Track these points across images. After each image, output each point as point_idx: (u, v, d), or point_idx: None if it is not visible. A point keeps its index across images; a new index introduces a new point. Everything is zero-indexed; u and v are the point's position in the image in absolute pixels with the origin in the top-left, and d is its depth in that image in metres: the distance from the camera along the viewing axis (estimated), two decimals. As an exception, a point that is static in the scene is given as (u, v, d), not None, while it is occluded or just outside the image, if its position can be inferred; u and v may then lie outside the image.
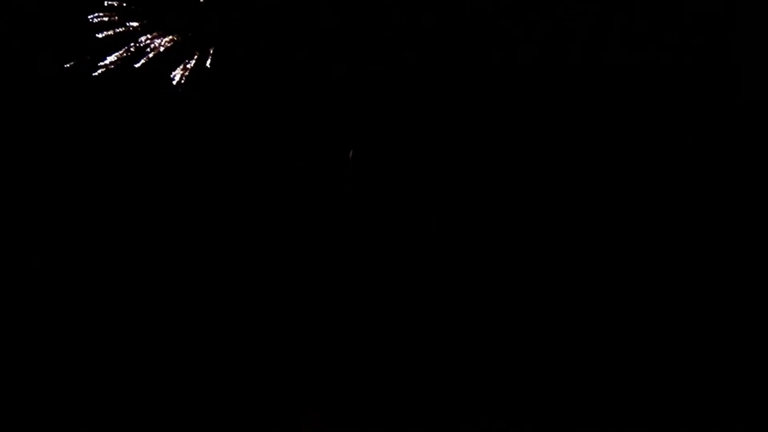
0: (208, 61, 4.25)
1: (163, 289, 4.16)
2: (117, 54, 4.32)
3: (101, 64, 4.26)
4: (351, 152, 3.81)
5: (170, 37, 4.34)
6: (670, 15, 4.27)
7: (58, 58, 4.35)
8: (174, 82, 4.23)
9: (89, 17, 4.32)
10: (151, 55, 4.31)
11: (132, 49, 4.31)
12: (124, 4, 4.32)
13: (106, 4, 4.29)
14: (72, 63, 4.23)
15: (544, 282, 4.12)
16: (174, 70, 4.29)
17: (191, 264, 4.21)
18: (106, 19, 4.31)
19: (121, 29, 4.36)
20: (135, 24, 4.34)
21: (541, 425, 3.93)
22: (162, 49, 4.33)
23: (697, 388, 3.89)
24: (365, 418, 4.04)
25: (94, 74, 4.23)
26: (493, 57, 4.27)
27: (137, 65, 4.27)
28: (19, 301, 4.14)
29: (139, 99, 4.35)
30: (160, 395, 3.99)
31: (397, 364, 4.13)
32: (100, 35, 4.33)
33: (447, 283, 4.18)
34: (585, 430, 3.88)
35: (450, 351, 4.09)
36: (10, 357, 4.06)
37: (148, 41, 4.34)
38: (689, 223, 4.09)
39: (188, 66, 4.26)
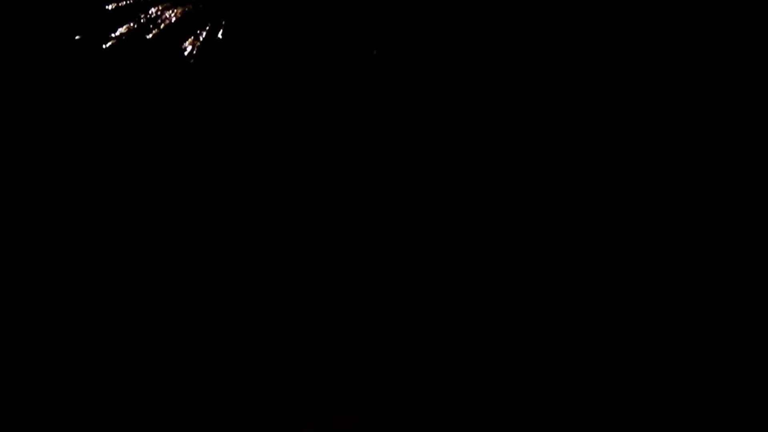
0: (220, 33, 4.20)
1: (162, 287, 4.17)
2: (127, 25, 4.27)
3: (112, 36, 4.21)
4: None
5: (181, 8, 4.29)
6: (670, 15, 4.28)
7: (68, 31, 4.31)
8: (186, 53, 4.18)
9: None
10: (162, 26, 4.25)
11: (142, 20, 4.25)
12: None
13: None
14: (81, 36, 4.18)
15: (544, 281, 4.13)
16: (185, 42, 4.23)
17: (190, 262, 4.21)
18: None
19: (131, 0, 4.31)
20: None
21: (542, 425, 3.93)
22: (173, 20, 4.27)
23: (697, 388, 3.90)
24: (365, 419, 4.05)
25: (104, 46, 4.19)
26: (493, 57, 4.28)
27: (149, 36, 4.21)
28: (18, 300, 4.15)
29: (150, 72, 4.30)
30: (159, 394, 4.00)
31: (398, 365, 4.13)
32: (109, 7, 4.29)
33: (447, 283, 4.18)
34: (585, 430, 3.89)
35: (451, 351, 4.10)
36: (9, 356, 4.07)
37: (159, 12, 4.29)
38: (689, 222, 4.10)
39: (200, 38, 4.20)
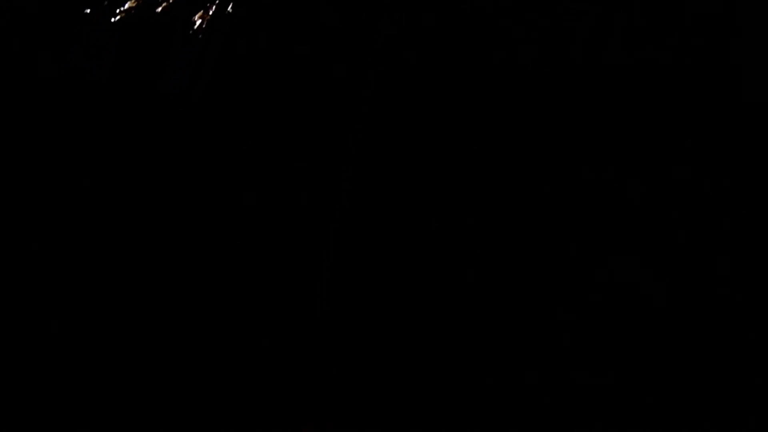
0: (230, 6, 4.15)
1: (160, 287, 4.17)
2: None
3: (120, 10, 4.17)
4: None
5: None
6: (670, 15, 4.28)
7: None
8: (195, 27, 4.13)
9: None
10: (171, 0, 4.21)
11: None
12: None
13: None
14: (89, 10, 4.14)
15: (544, 281, 4.13)
16: (194, 15, 4.18)
17: (189, 263, 4.21)
18: None
19: None
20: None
21: (542, 425, 3.94)
22: None
23: (698, 389, 3.91)
24: (367, 420, 4.05)
25: (112, 20, 4.15)
26: (493, 57, 4.28)
27: (158, 10, 4.15)
28: (17, 300, 4.15)
29: (159, 45, 4.24)
30: (157, 396, 4.00)
31: (399, 366, 4.14)
32: None
33: (448, 284, 4.19)
34: (585, 430, 3.90)
35: (452, 352, 4.10)
36: (9, 356, 4.07)
37: (168, -16, 4.25)
38: (689, 223, 4.10)
39: (210, 11, 4.15)
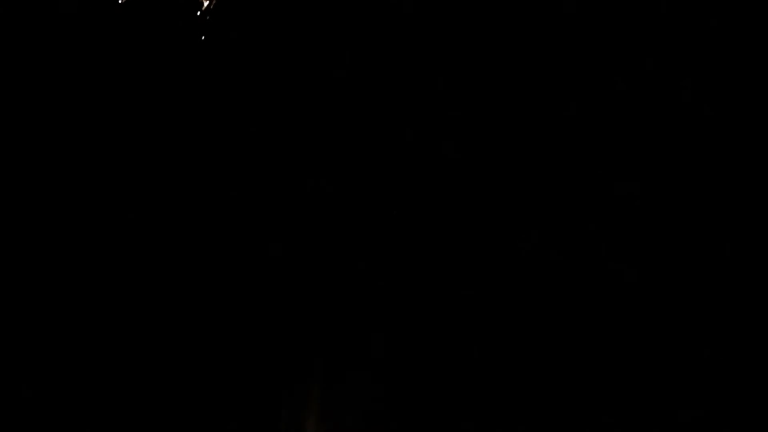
0: None
1: (158, 286, 4.16)
2: None
3: None
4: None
5: None
6: (672, 15, 4.28)
7: None
8: (203, 8, 4.09)
9: None
10: None
11: None
12: None
13: None
14: None
15: (544, 282, 4.14)
16: None
17: (188, 261, 4.21)
18: None
19: None
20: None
21: (541, 426, 3.94)
22: None
23: (697, 389, 3.91)
24: (367, 419, 4.05)
25: (119, 1, 4.11)
26: (495, 58, 4.29)
27: None
28: (18, 295, 4.14)
29: (166, 29, 4.19)
30: (157, 396, 4.01)
31: (399, 364, 4.14)
32: None
33: (448, 284, 4.19)
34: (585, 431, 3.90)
35: (452, 351, 4.10)
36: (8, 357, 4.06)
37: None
38: (689, 223, 4.11)
39: None
